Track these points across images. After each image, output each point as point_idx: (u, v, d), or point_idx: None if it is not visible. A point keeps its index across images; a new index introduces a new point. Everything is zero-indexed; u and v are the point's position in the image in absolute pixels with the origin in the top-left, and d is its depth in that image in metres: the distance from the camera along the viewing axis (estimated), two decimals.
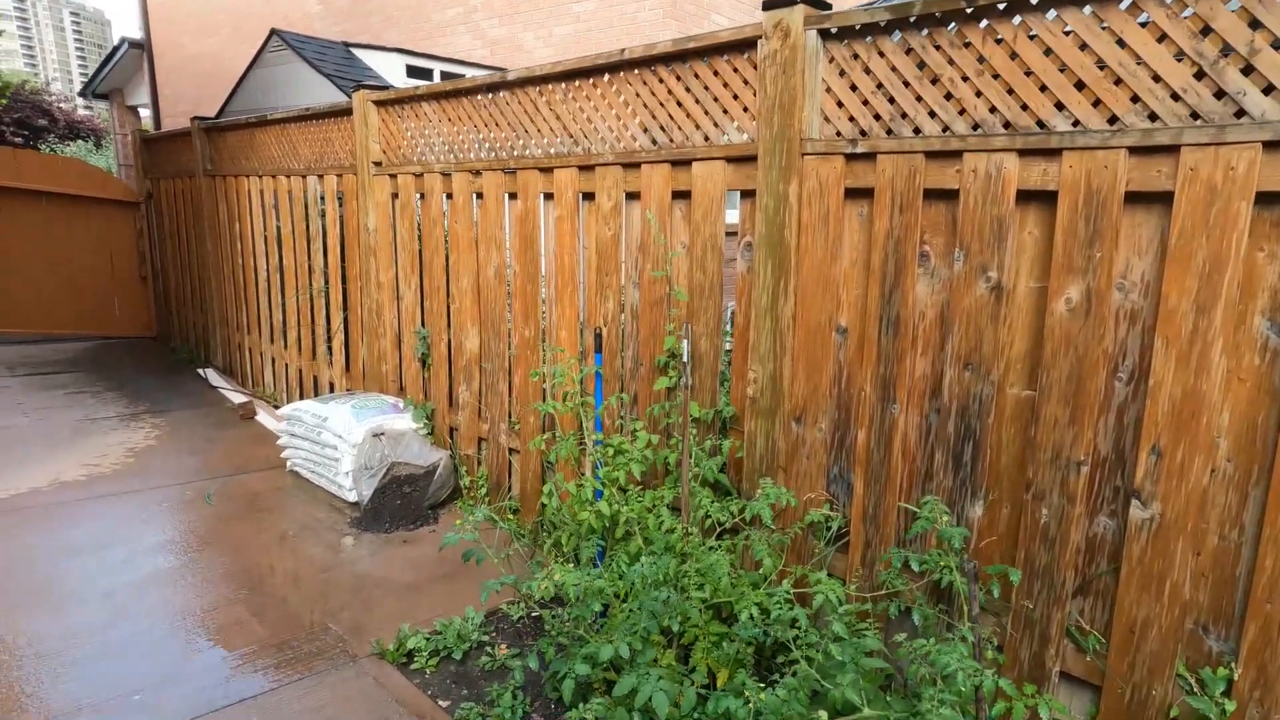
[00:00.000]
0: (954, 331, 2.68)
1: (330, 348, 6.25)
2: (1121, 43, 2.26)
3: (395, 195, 5.24)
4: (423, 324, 5.18)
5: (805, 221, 3.00)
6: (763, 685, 2.28)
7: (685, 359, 3.20)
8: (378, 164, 5.31)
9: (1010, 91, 2.46)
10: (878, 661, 2.28)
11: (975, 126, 2.54)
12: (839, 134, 2.87)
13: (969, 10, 2.48)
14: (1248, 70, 2.08)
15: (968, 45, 2.52)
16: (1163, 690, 2.33)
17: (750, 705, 2.16)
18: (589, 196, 3.87)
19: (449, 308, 4.92)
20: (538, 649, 3.07)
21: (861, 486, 3.00)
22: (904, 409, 2.87)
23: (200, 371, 8.19)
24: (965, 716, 2.24)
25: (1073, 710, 2.57)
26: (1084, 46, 2.32)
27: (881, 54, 2.71)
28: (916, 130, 2.66)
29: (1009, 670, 2.63)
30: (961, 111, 2.56)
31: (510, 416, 4.58)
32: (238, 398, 7.31)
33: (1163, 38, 2.19)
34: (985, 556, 2.70)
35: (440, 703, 2.98)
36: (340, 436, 4.94)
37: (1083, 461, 2.43)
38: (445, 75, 11.11)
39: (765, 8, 2.91)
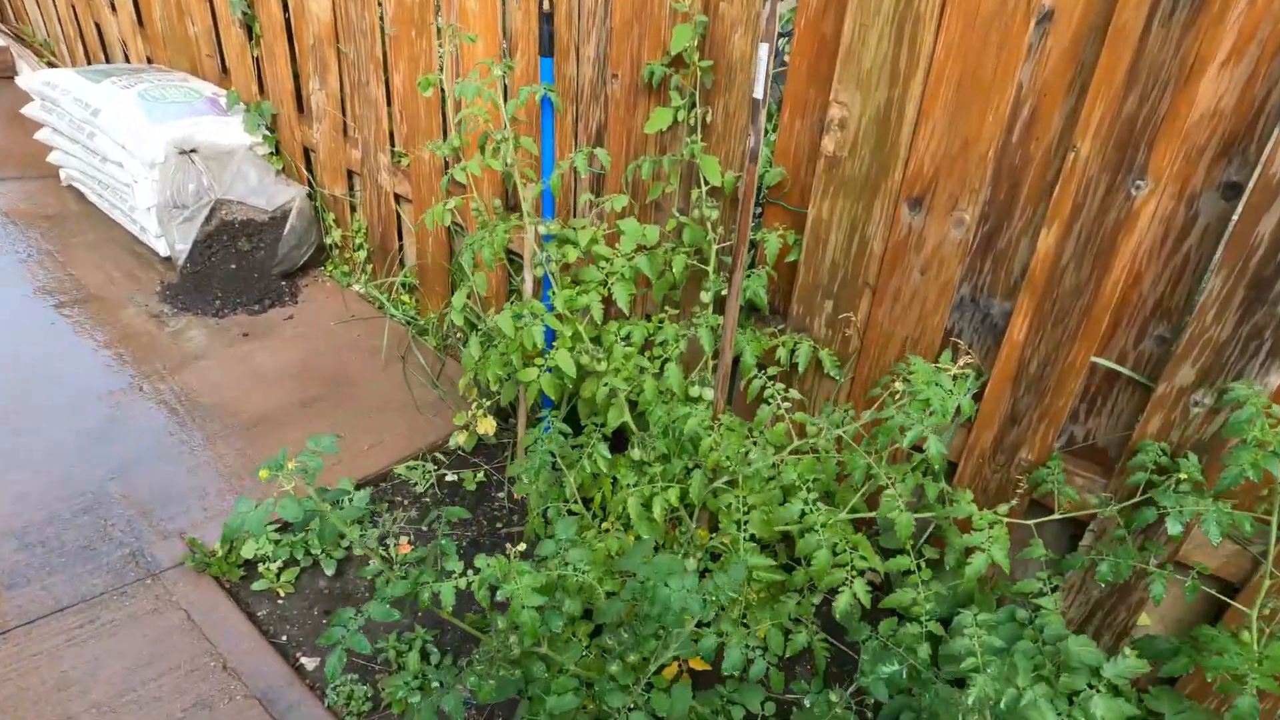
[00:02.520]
0: None
1: None
2: None
3: None
4: None
5: None
6: None
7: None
8: None
9: None
10: None
11: None
12: None
13: None
14: None
15: None
16: None
17: None
18: None
19: None
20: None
21: (1024, 326, 1.70)
22: (1158, 189, 1.48)
23: None
24: None
25: None
26: None
27: None
28: None
29: None
30: None
31: (393, 144, 2.91)
32: None
33: None
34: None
35: (302, 658, 1.85)
36: (126, 149, 3.15)
37: None
38: None
39: None
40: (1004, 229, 1.70)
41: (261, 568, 2.00)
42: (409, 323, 2.95)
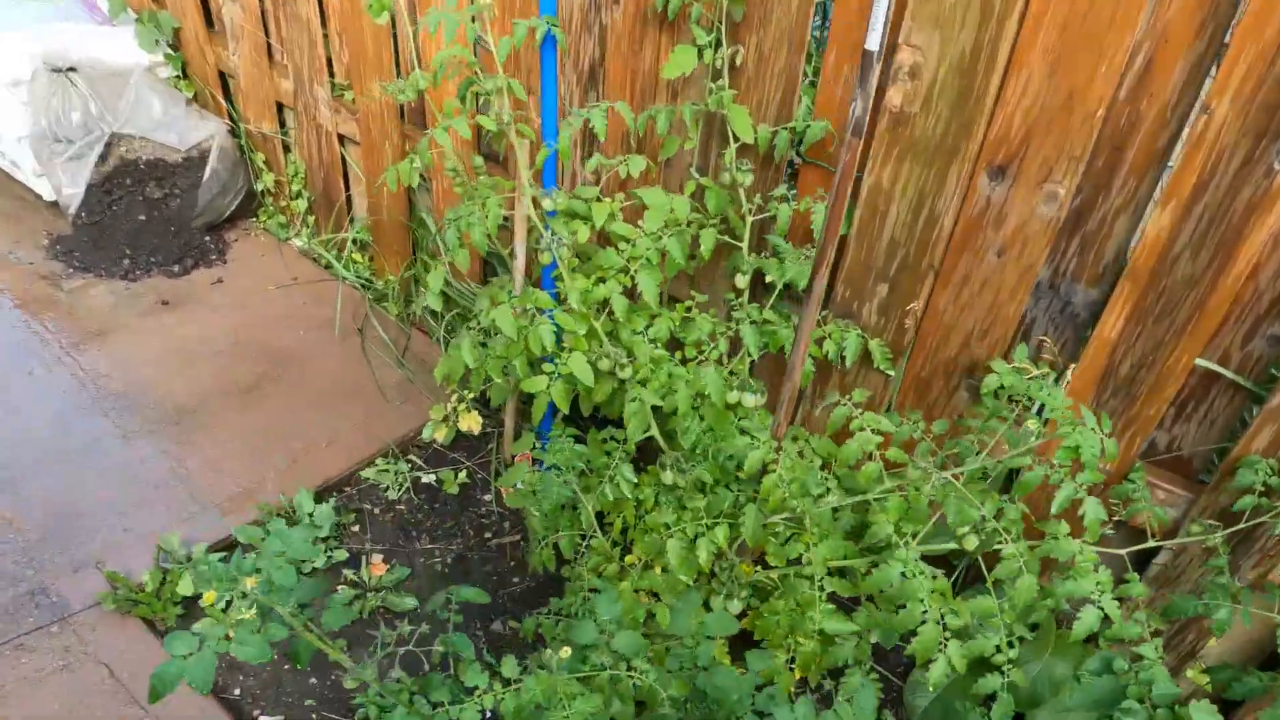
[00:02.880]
0: None
1: None
2: None
3: None
4: None
5: None
6: None
7: None
8: None
9: None
10: None
11: None
12: None
13: None
14: None
15: None
16: None
17: None
18: None
19: None
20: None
21: (1120, 320, 1.47)
22: None
23: None
24: None
25: None
26: None
27: None
28: None
29: None
30: None
31: (332, 74, 2.43)
32: None
33: None
34: None
35: (261, 717, 1.55)
36: None
37: None
38: None
39: None
40: (1098, 204, 1.45)
41: (205, 604, 1.67)
42: (364, 286, 2.55)
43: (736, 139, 1.59)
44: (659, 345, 1.47)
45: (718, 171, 1.74)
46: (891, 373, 1.68)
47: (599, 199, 1.52)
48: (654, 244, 1.46)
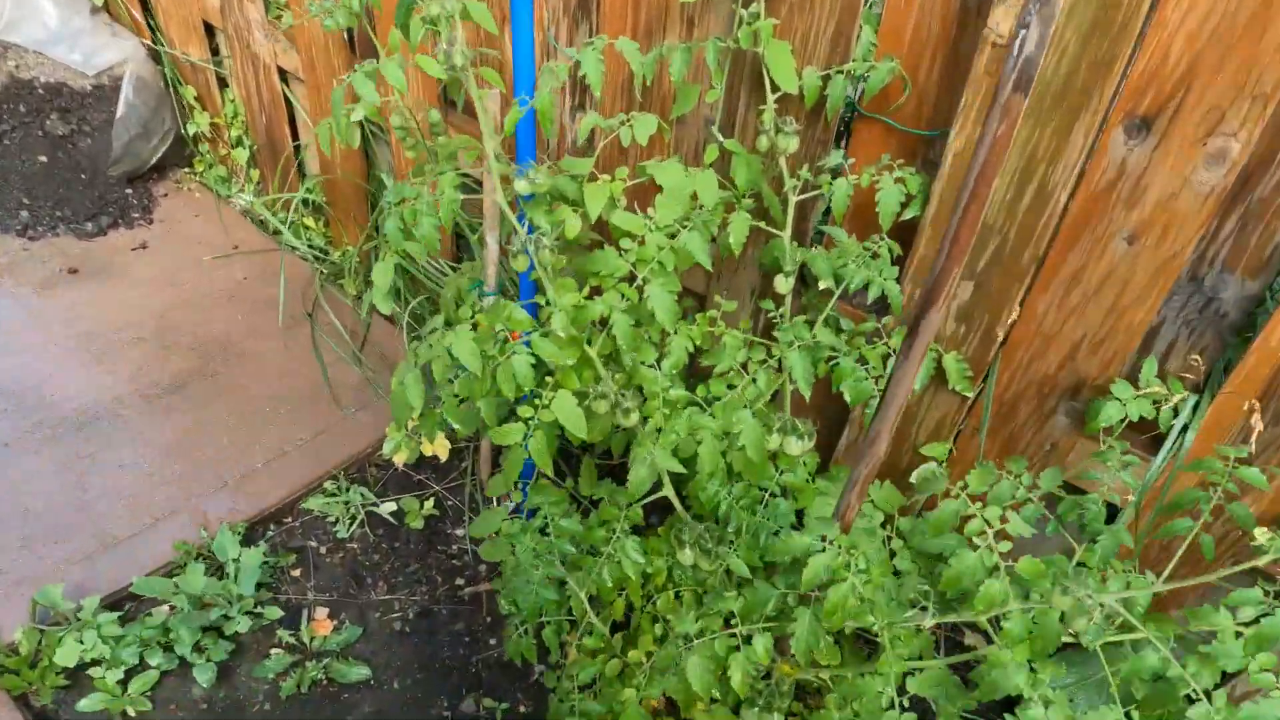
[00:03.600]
0: None
1: None
2: None
3: None
4: None
5: None
6: None
7: None
8: None
9: None
10: None
11: None
12: None
13: None
14: None
15: None
16: None
17: None
18: None
19: None
20: None
21: None
22: None
23: None
24: None
25: None
26: None
27: None
28: None
29: None
30: None
31: None
32: None
33: None
34: None
35: None
36: None
37: None
38: None
39: None
40: (1270, 168, 1.05)
41: (96, 675, 1.33)
42: (318, 258, 2.13)
43: (776, 88, 1.17)
44: (675, 380, 1.09)
45: (747, 132, 1.33)
46: (970, 394, 1.31)
47: (593, 176, 1.10)
48: (669, 241, 1.05)
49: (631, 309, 1.02)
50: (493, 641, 1.47)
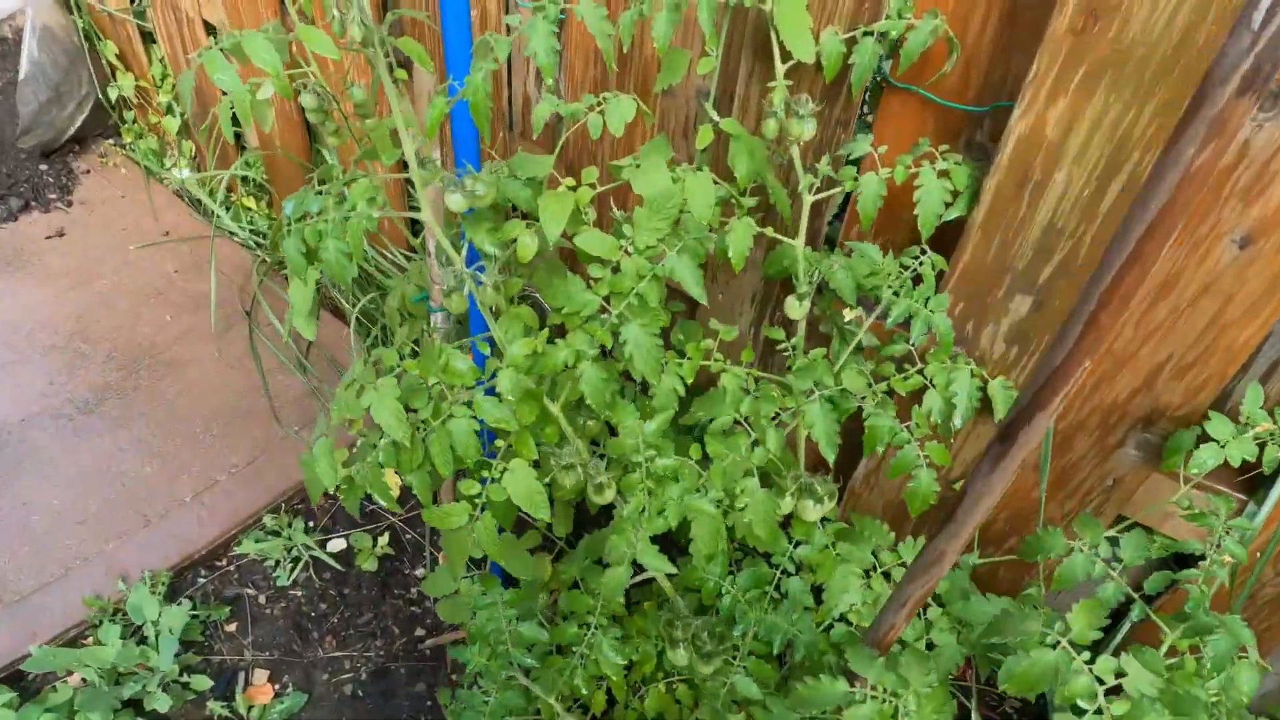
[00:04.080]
0: None
1: None
2: None
3: None
4: None
5: None
6: None
7: None
8: None
9: None
10: None
11: None
12: None
13: None
14: None
15: None
16: None
17: None
18: None
19: None
20: None
21: None
22: None
23: None
24: None
25: None
26: None
27: None
28: None
29: None
30: None
31: None
32: None
33: None
34: None
35: None
36: None
37: None
38: None
39: None
40: None
41: None
42: (260, 245, 1.87)
43: (787, 55, 0.92)
44: (662, 443, 0.86)
45: (749, 110, 1.08)
46: None
47: (554, 180, 0.85)
48: (653, 269, 0.81)
49: (603, 363, 0.79)
50: None
